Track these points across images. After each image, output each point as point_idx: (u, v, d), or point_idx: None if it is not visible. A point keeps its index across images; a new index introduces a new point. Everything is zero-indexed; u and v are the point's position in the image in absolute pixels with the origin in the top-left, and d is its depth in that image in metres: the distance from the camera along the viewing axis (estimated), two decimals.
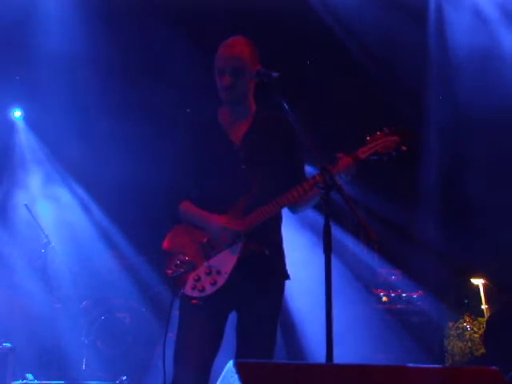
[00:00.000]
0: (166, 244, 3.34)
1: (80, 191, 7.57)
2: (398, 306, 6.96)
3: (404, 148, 3.24)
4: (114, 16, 6.85)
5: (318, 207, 3.42)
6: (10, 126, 7.72)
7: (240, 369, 2.27)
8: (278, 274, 3.40)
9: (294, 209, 3.48)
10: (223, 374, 2.33)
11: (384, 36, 6.84)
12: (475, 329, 7.25)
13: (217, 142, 3.41)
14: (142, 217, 6.97)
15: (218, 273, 3.22)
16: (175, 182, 3.42)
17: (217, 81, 3.40)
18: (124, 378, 6.07)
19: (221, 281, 3.21)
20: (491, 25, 6.65)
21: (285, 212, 3.49)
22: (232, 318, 3.39)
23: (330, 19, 7.08)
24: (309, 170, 3.53)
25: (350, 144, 3.33)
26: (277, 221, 3.43)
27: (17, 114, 7.72)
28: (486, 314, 7.10)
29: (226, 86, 3.34)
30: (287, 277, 3.42)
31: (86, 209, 7.51)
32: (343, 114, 7.47)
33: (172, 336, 3.36)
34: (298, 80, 6.75)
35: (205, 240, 3.27)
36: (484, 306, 7.16)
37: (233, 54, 3.36)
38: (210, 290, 3.21)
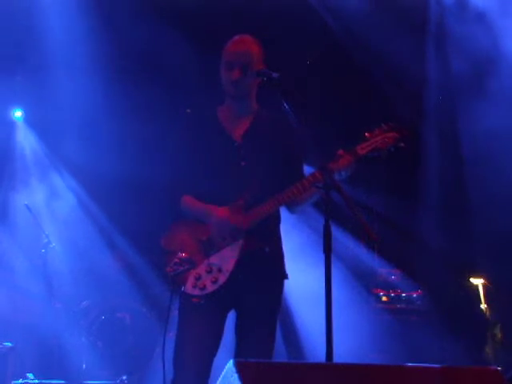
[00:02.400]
0: (164, 242, 3.34)
1: (81, 191, 7.56)
2: (398, 306, 6.96)
3: (402, 144, 3.27)
4: (114, 15, 6.84)
5: (317, 206, 3.43)
6: (10, 126, 7.71)
7: (240, 368, 2.28)
8: (278, 272, 3.42)
9: (292, 208, 3.50)
10: (223, 373, 2.34)
11: (384, 35, 6.84)
12: None
13: (216, 138, 3.42)
14: (142, 216, 6.97)
15: (219, 271, 3.22)
16: (175, 178, 3.42)
17: (223, 75, 3.43)
18: (124, 377, 6.08)
19: (222, 279, 3.21)
20: (491, 26, 6.65)
21: (285, 212, 3.49)
22: (231, 316, 3.40)
23: (329, 19, 7.08)
24: (308, 170, 3.54)
25: (350, 144, 3.34)
26: (276, 219, 3.44)
27: (17, 114, 7.72)
28: (486, 314, 7.11)
29: (234, 80, 3.37)
30: (286, 276, 3.43)
31: (86, 208, 7.50)
32: (343, 114, 7.47)
33: (172, 335, 3.37)
34: (297, 80, 6.75)
35: (204, 237, 3.28)
36: (483, 306, 7.16)
37: (242, 50, 3.41)
38: (211, 288, 3.21)
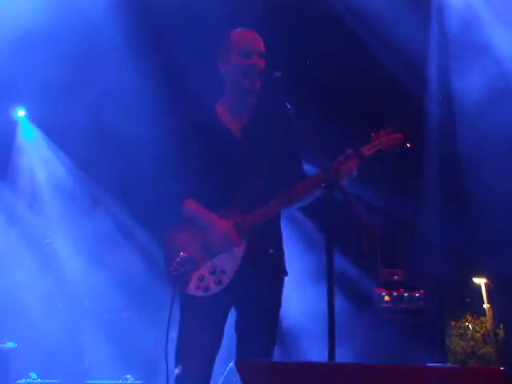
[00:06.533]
0: (166, 242, 3.31)
1: (83, 191, 7.56)
2: (401, 306, 6.96)
3: (408, 145, 3.24)
4: (123, 12, 6.82)
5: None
6: (13, 125, 7.72)
7: (242, 368, 2.28)
8: (280, 271, 3.40)
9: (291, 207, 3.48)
10: (225, 373, 2.34)
11: (386, 33, 6.84)
12: (477, 328, 7.26)
13: (216, 134, 3.36)
14: (146, 215, 6.99)
15: (223, 272, 3.20)
16: (175, 178, 3.38)
17: (238, 65, 3.31)
18: (128, 376, 6.09)
19: (225, 280, 3.19)
20: (487, 26, 6.65)
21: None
22: (231, 315, 3.39)
23: (332, 17, 7.06)
24: (310, 169, 3.52)
25: (352, 144, 3.33)
26: (277, 217, 3.42)
27: (20, 113, 7.71)
28: (488, 313, 7.11)
29: (261, 70, 3.25)
30: (286, 273, 3.42)
31: (89, 208, 7.50)
32: (344, 114, 7.46)
33: (175, 335, 3.36)
34: (297, 79, 6.72)
35: (206, 237, 3.25)
36: (486, 305, 7.16)
37: (258, 38, 3.35)
38: (214, 289, 3.19)
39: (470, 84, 6.77)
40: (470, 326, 7.23)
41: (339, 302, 2.82)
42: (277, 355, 3.37)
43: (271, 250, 3.31)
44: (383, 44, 6.89)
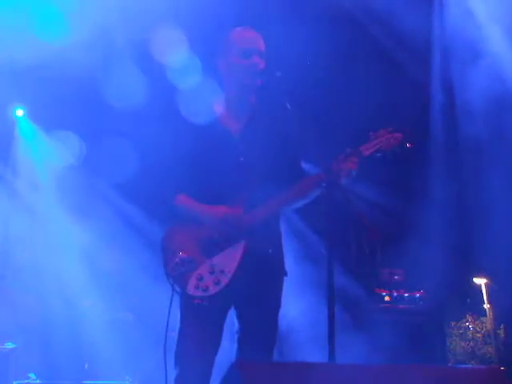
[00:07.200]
0: (164, 241, 3.32)
1: (85, 191, 7.55)
2: (401, 306, 6.95)
3: (409, 145, 3.24)
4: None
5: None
6: (11, 125, 7.71)
7: (241, 368, 2.27)
8: (279, 271, 3.41)
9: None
10: (225, 373, 2.34)
11: (388, 31, 6.83)
12: (477, 328, 7.25)
13: (215, 133, 3.37)
14: (147, 215, 6.98)
15: (222, 272, 3.21)
16: (172, 175, 3.38)
17: (239, 64, 3.34)
18: (127, 377, 6.08)
19: (224, 280, 3.20)
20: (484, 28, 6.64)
21: None
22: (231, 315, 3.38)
23: (333, 16, 7.04)
24: (311, 168, 3.52)
25: (353, 144, 3.32)
26: (277, 218, 3.42)
27: (19, 112, 7.69)
28: (488, 314, 7.10)
29: (262, 69, 3.28)
30: (286, 273, 3.42)
31: (91, 208, 7.49)
32: (346, 113, 7.45)
33: (174, 335, 3.37)
34: (298, 77, 6.69)
35: (205, 237, 3.26)
36: (486, 306, 7.15)
37: (257, 36, 3.37)
38: (213, 289, 3.20)
39: (474, 82, 6.76)
40: (470, 326, 7.23)
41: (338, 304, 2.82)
42: (277, 355, 3.37)
43: (270, 250, 3.31)
44: (387, 37, 6.88)
